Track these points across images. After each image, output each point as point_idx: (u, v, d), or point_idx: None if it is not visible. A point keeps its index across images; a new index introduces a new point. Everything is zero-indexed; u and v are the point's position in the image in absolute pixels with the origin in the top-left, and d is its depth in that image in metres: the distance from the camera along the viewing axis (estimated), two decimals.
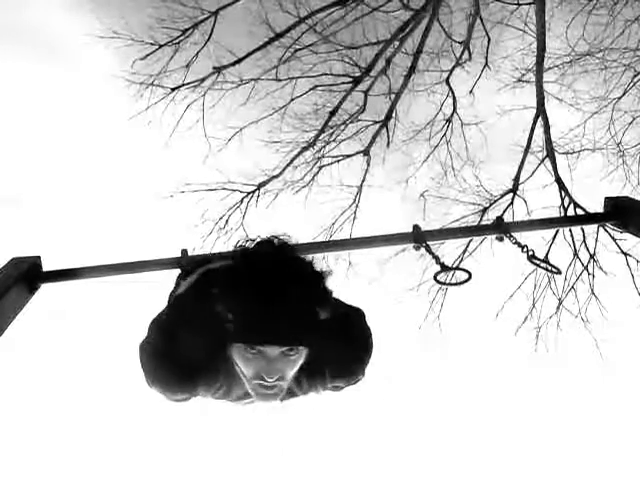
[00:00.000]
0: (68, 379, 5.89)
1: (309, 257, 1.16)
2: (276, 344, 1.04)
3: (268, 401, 1.14)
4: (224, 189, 7.87)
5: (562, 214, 7.12)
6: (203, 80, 7.61)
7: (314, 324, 1.06)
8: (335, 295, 1.18)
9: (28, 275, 1.80)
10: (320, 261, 1.16)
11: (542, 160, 7.37)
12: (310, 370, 1.20)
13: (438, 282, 1.64)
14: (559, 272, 1.88)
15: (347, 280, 7.47)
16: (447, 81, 7.85)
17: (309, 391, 1.30)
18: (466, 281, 1.51)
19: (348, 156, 8.20)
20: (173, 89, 7.59)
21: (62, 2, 7.22)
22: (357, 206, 8.04)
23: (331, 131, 8.08)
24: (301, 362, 1.11)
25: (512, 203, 7.49)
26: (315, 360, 1.16)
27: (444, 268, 1.65)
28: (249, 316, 1.02)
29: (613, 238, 6.78)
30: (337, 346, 1.23)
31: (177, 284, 1.83)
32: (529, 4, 6.99)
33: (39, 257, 1.90)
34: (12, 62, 7.18)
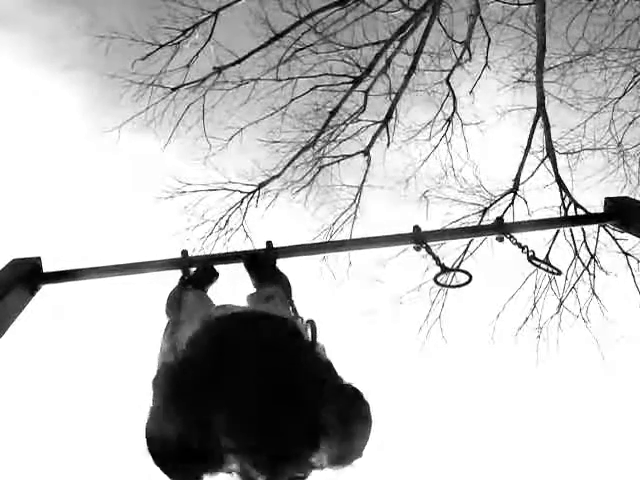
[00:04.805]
0: (69, 379, 5.89)
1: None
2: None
3: None
4: (224, 189, 7.88)
5: (562, 214, 7.12)
6: (203, 80, 7.60)
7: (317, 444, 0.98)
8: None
9: (29, 276, 1.81)
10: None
11: (542, 160, 7.37)
12: None
13: (438, 284, 1.65)
14: (559, 273, 1.89)
15: (348, 280, 7.49)
16: (447, 81, 7.84)
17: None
18: (466, 283, 1.51)
19: (348, 156, 8.19)
20: (173, 89, 7.58)
21: None
22: (357, 206, 8.04)
23: (331, 131, 8.07)
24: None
25: (512, 203, 7.48)
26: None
27: (444, 269, 1.65)
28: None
29: (614, 238, 6.77)
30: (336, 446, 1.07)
31: (179, 290, 1.85)
32: (529, 4, 6.99)
33: (39, 258, 1.90)
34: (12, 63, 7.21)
